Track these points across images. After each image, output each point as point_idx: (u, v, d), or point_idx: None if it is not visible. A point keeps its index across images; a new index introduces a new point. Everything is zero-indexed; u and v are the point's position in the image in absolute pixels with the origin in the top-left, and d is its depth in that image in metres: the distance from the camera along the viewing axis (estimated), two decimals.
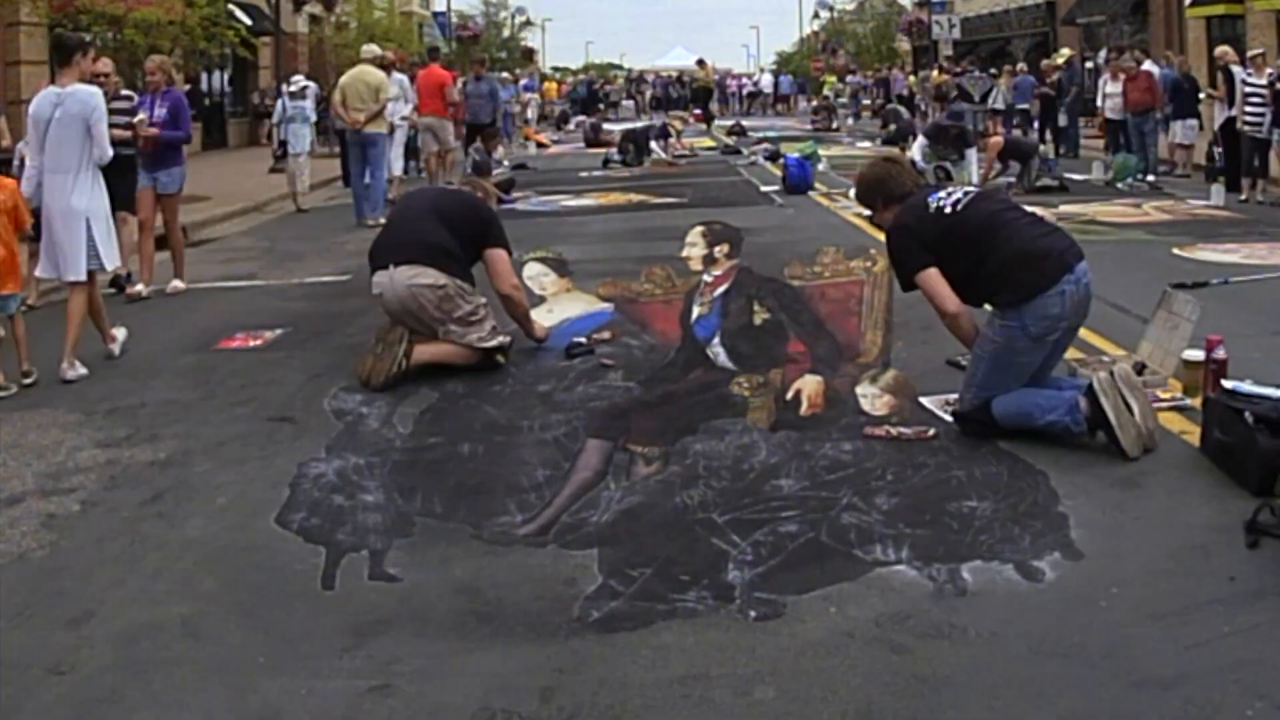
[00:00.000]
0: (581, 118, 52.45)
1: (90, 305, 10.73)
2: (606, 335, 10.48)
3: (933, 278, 7.88)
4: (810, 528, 6.49)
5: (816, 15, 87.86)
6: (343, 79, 21.66)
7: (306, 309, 13.08)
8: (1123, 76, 25.59)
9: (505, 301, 10.28)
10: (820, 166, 26.78)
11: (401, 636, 5.47)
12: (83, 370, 10.13)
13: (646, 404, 8.80)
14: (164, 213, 14.84)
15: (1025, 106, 34.09)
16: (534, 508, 6.98)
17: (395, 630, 5.53)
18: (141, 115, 14.10)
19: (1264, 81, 20.69)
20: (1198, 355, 8.45)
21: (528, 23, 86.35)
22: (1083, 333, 8.69)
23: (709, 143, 40.20)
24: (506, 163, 31.62)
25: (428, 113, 24.77)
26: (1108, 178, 24.30)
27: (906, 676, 4.97)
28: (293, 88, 25.59)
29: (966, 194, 8.16)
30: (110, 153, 10.85)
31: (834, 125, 49.19)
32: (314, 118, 26.06)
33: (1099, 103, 29.46)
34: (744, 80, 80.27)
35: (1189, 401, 8.33)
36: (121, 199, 12.87)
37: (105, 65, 14.07)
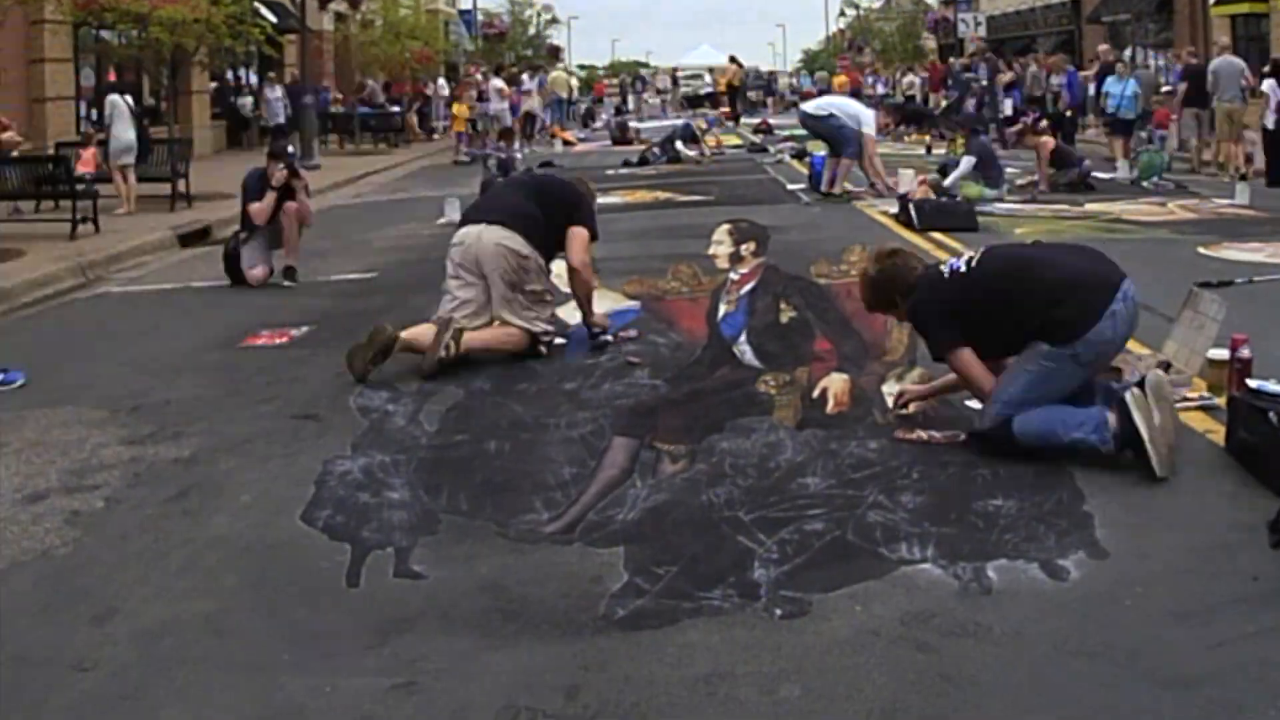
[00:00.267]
0: (605, 116, 52.53)
1: None
2: (633, 333, 10.48)
3: (965, 357, 7.60)
4: (836, 526, 6.48)
5: (843, 14, 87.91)
6: None
7: (332, 307, 13.10)
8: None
9: (574, 275, 10.36)
10: None
11: (426, 634, 5.47)
12: None
13: (673, 402, 8.79)
14: None
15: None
16: (560, 505, 6.97)
17: (420, 628, 5.53)
18: None
19: None
20: (1223, 354, 8.42)
21: (554, 20, 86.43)
22: None
23: (735, 140, 40.17)
24: (519, 155, 31.62)
25: None
26: (1133, 176, 24.23)
27: (931, 675, 4.95)
28: None
29: (980, 250, 7.98)
30: None
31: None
32: None
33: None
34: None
35: (1214, 400, 8.30)
36: None
37: None
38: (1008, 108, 35.11)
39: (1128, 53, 36.56)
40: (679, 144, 32.06)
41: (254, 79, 43.34)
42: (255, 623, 5.65)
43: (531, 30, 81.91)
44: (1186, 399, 8.31)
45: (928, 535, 6.31)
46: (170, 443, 8.31)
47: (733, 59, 64.89)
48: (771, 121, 49.27)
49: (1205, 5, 38.96)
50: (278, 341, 11.41)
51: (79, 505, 7.19)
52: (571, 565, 6.17)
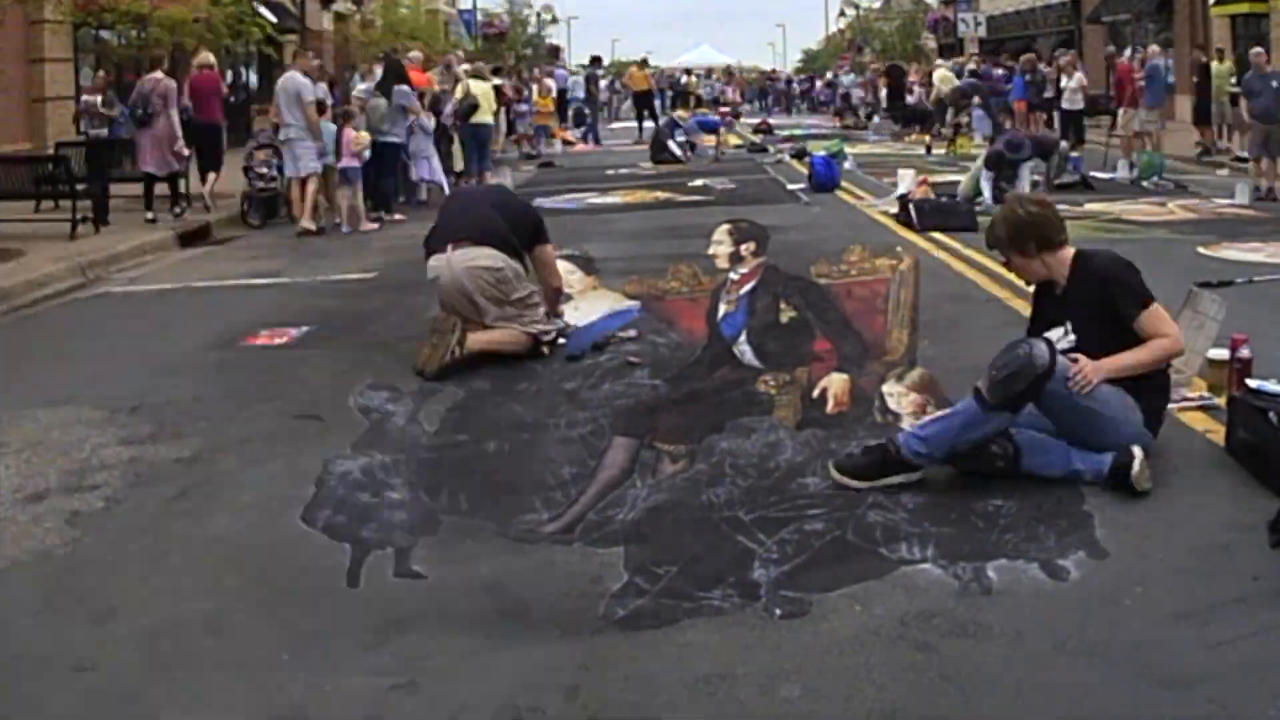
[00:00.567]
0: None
1: None
2: (633, 333, 10.48)
3: (1162, 312, 7.36)
4: (836, 526, 6.49)
5: (843, 13, 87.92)
6: None
7: (333, 306, 13.10)
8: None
9: (556, 295, 10.55)
10: (846, 165, 26.74)
11: (426, 634, 5.47)
12: None
13: (673, 402, 8.79)
14: None
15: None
16: (560, 505, 6.97)
17: (420, 628, 5.54)
18: None
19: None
20: (1222, 354, 8.42)
21: (553, 20, 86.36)
22: None
23: (735, 141, 40.19)
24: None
25: None
26: (1133, 176, 24.24)
27: (931, 675, 4.96)
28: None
29: None
30: None
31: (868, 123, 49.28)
32: None
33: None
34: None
35: (1214, 400, 8.30)
36: None
37: None
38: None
39: (1128, 52, 36.35)
40: (669, 142, 31.94)
41: (254, 79, 43.31)
42: (255, 623, 5.65)
43: (531, 30, 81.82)
44: (1186, 399, 8.32)
45: (928, 535, 6.32)
46: (170, 443, 8.31)
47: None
48: (771, 121, 49.30)
49: (1205, 5, 38.95)
50: (278, 341, 11.40)
51: (79, 505, 7.18)
52: (571, 565, 6.17)
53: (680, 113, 35.38)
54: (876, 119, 51.37)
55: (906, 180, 21.01)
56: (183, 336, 11.83)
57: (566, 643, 5.34)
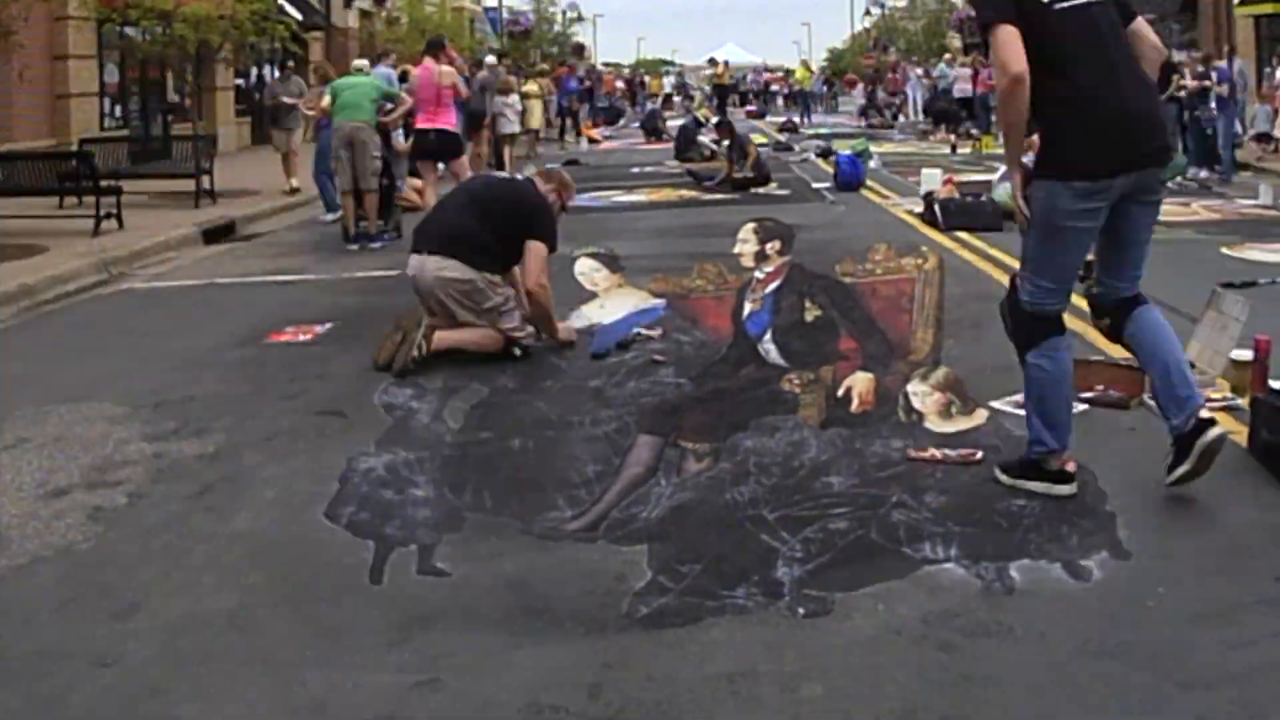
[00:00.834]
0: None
1: None
2: (658, 331, 10.47)
3: (1007, 33, 6.45)
4: (860, 525, 6.48)
5: (868, 12, 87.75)
6: None
7: (357, 303, 13.12)
8: None
9: (528, 298, 10.25)
10: (872, 164, 26.73)
11: (449, 631, 5.47)
12: None
13: (697, 400, 8.78)
14: None
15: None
16: (584, 503, 6.98)
17: (443, 625, 5.54)
18: None
19: None
20: (1246, 355, 8.41)
21: (579, 18, 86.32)
22: None
23: (761, 139, 40.14)
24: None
25: None
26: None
27: (953, 674, 4.95)
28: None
29: None
30: None
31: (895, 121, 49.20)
32: None
33: None
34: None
35: (1238, 401, 8.28)
36: None
37: None
38: None
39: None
40: (700, 136, 31.77)
41: (278, 76, 43.41)
42: (278, 619, 5.66)
43: (557, 27, 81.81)
44: (1210, 400, 8.29)
45: (951, 535, 6.31)
46: (193, 439, 8.33)
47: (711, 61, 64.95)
48: (796, 120, 49.26)
49: (1229, 6, 38.85)
50: (302, 338, 11.42)
51: (101, 501, 7.20)
52: (595, 563, 6.17)
53: (704, 111, 35.35)
54: (919, 119, 50.94)
55: (932, 179, 21.01)
56: (206, 333, 11.84)
57: (590, 640, 5.34)
